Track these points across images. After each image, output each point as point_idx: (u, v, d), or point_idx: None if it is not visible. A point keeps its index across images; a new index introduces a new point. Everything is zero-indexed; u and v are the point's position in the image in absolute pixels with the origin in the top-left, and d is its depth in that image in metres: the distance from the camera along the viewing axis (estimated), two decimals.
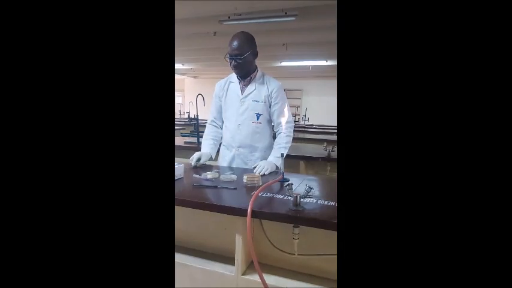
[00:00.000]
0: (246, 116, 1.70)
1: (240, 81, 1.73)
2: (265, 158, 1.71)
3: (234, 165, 1.77)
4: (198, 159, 1.65)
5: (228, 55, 1.62)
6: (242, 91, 1.72)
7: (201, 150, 1.74)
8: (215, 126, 1.83)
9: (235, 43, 1.59)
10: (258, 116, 1.69)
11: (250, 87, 1.70)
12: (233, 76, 1.76)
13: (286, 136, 1.67)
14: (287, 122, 1.69)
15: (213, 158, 1.77)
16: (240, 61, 1.60)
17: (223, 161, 1.82)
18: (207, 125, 1.86)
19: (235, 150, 1.75)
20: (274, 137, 1.77)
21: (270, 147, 1.74)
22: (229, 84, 1.76)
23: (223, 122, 1.82)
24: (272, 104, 1.69)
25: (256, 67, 1.72)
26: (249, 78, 1.70)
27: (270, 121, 1.75)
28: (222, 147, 1.84)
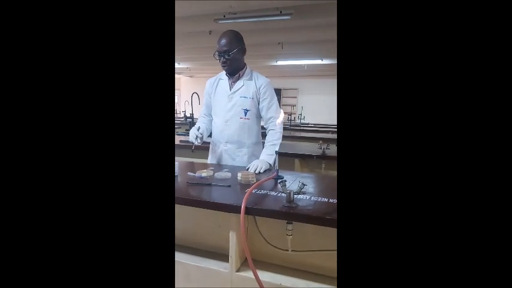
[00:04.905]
0: (234, 112, 1.71)
1: (229, 78, 1.75)
2: (253, 154, 1.72)
3: (222, 161, 1.79)
4: (200, 137, 1.66)
5: (216, 52, 1.65)
6: (231, 87, 1.73)
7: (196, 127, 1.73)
8: (204, 117, 1.87)
9: (223, 41, 1.63)
10: (246, 111, 1.71)
11: (239, 84, 1.72)
12: (223, 73, 1.78)
13: (277, 132, 1.70)
14: (277, 118, 1.71)
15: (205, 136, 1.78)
16: (229, 57, 1.63)
17: (212, 157, 1.84)
18: (198, 118, 1.90)
19: (223, 146, 1.77)
20: (263, 134, 1.78)
21: (257, 144, 1.76)
22: (218, 81, 1.79)
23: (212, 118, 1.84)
24: (260, 100, 1.71)
25: (245, 64, 1.74)
26: (237, 75, 1.73)
27: (258, 117, 1.76)
28: (210, 144, 1.87)
